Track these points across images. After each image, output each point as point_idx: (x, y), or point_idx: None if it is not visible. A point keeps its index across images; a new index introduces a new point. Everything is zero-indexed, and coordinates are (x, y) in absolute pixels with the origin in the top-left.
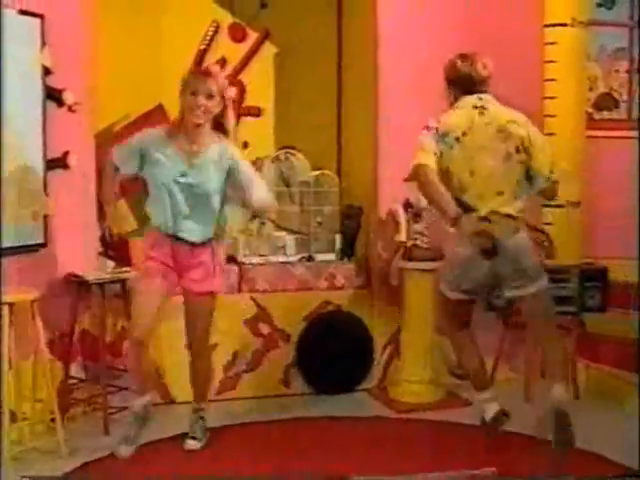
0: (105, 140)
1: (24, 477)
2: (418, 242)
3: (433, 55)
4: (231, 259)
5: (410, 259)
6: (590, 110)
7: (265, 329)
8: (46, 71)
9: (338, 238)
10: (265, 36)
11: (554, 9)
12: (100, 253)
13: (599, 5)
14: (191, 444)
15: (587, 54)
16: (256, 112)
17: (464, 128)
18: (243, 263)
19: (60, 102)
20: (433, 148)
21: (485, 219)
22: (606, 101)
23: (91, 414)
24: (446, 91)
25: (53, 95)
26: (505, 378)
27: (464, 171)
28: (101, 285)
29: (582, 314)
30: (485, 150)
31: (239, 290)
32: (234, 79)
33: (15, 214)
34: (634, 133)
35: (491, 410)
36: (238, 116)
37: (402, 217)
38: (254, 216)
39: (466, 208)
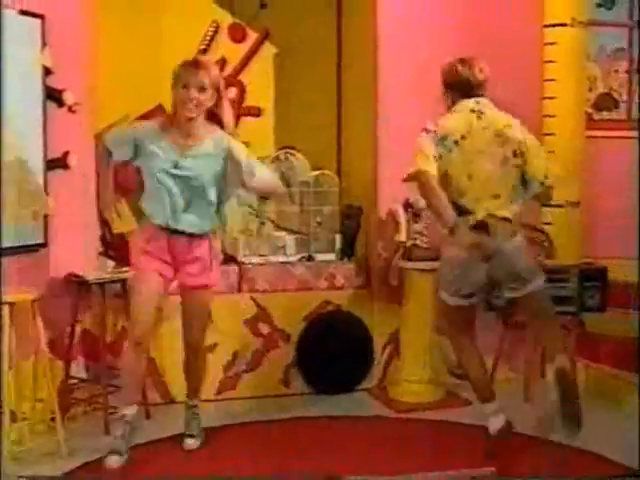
0: None
1: (21, 477)
2: (418, 242)
3: (433, 55)
4: (231, 259)
5: (410, 259)
6: (590, 110)
7: (265, 329)
8: (46, 71)
9: (338, 238)
10: (265, 36)
11: (554, 9)
12: (100, 253)
13: (599, 5)
14: (190, 443)
15: (587, 54)
16: (256, 112)
17: (463, 132)
18: (243, 263)
19: (60, 102)
20: (433, 152)
21: (482, 223)
22: (606, 101)
23: (91, 414)
24: (443, 94)
25: (53, 95)
26: (505, 378)
27: (462, 175)
28: (101, 285)
29: (582, 314)
30: (483, 154)
31: (239, 290)
32: (234, 79)
33: (15, 214)
34: (634, 133)
35: (497, 423)
36: (238, 116)
37: (402, 217)
38: (262, 197)
39: (463, 211)
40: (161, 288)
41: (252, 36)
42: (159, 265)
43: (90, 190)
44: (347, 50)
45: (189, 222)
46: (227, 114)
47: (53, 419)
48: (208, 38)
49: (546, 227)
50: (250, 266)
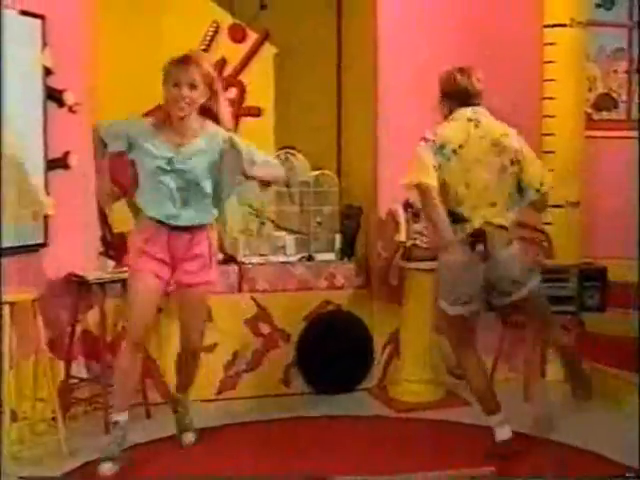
0: None
1: (21, 477)
2: (418, 242)
3: (433, 56)
4: (231, 259)
5: (410, 259)
6: (589, 110)
7: (265, 329)
8: (47, 71)
9: (338, 238)
10: (265, 37)
11: (553, 10)
12: (101, 253)
13: (598, 6)
14: (189, 437)
15: (586, 54)
16: (256, 112)
17: (460, 141)
18: (243, 263)
19: (61, 102)
20: (432, 162)
21: (479, 231)
22: (605, 101)
23: (92, 413)
24: (440, 103)
25: (54, 95)
26: (504, 378)
27: (460, 183)
28: (102, 285)
29: (581, 314)
30: (480, 163)
31: (239, 290)
32: (234, 79)
33: (15, 214)
34: (633, 133)
35: (504, 434)
36: (238, 116)
37: (402, 217)
38: (264, 184)
39: (460, 219)
40: (158, 289)
41: (252, 36)
42: (156, 266)
43: (90, 190)
44: (347, 51)
45: (188, 217)
46: (223, 107)
47: (54, 418)
48: (208, 38)
49: (546, 227)
50: (250, 266)
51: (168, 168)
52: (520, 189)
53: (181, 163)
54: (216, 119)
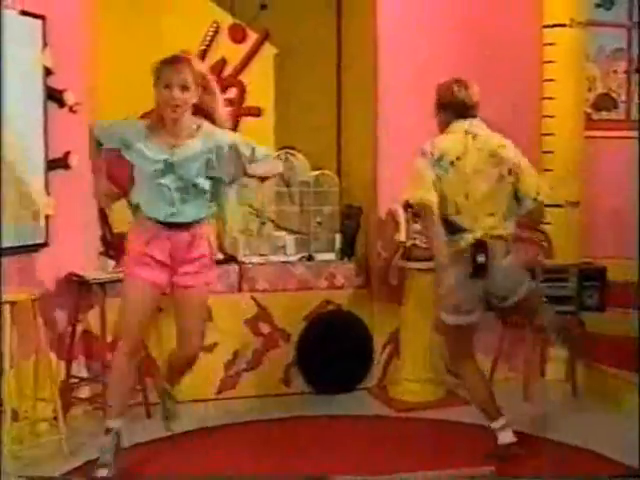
0: None
1: (20, 477)
2: (417, 242)
3: (433, 56)
4: (231, 259)
5: (409, 259)
6: (589, 110)
7: (265, 328)
8: (47, 72)
9: (338, 238)
10: (265, 37)
11: (553, 10)
12: (101, 253)
13: (598, 6)
14: (174, 424)
15: (586, 55)
16: (256, 112)
17: (458, 153)
18: (243, 263)
19: (61, 103)
20: (432, 177)
21: (480, 242)
22: (605, 101)
23: (92, 413)
24: (436, 114)
25: (54, 96)
26: (504, 377)
27: (459, 194)
28: (102, 284)
29: (581, 313)
30: (479, 174)
31: (239, 290)
32: (234, 79)
33: (16, 214)
34: (633, 133)
35: (506, 438)
36: (238, 116)
37: (401, 217)
38: (262, 180)
39: (460, 229)
40: (154, 299)
41: (252, 37)
42: (154, 272)
43: (90, 190)
44: (347, 51)
45: (187, 214)
46: (219, 105)
47: (54, 418)
48: (208, 39)
49: (545, 227)
50: (250, 266)
51: (164, 170)
52: (517, 199)
53: (177, 164)
54: (211, 118)
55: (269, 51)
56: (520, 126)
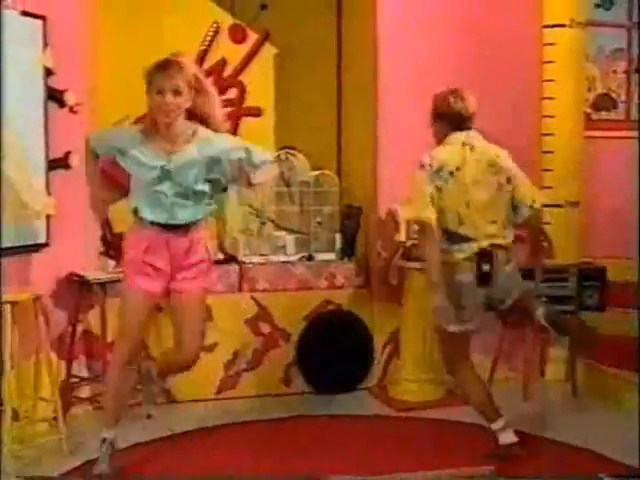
0: None
1: (18, 477)
2: (417, 242)
3: (432, 56)
4: (231, 259)
5: (409, 259)
6: (588, 110)
7: (266, 328)
8: (48, 72)
9: (338, 238)
10: (265, 37)
11: (553, 10)
12: (101, 253)
13: (597, 6)
14: (153, 409)
15: (585, 55)
16: (256, 112)
17: (457, 163)
18: (243, 263)
19: (61, 103)
20: (430, 192)
21: (485, 251)
22: (604, 101)
23: (93, 413)
24: (433, 124)
25: (54, 96)
26: (504, 377)
27: (461, 204)
28: (102, 284)
29: (581, 313)
30: (479, 184)
31: (240, 289)
32: (234, 80)
33: (16, 214)
34: (632, 133)
35: (507, 438)
36: (238, 116)
37: (401, 217)
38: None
39: (464, 239)
40: (151, 309)
41: (252, 37)
42: (153, 281)
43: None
44: (347, 51)
45: (186, 216)
46: (214, 107)
47: (55, 418)
48: (208, 39)
49: (545, 227)
50: (251, 266)
51: (161, 177)
52: (514, 207)
53: (174, 172)
54: (206, 122)
55: (269, 51)
56: (520, 126)
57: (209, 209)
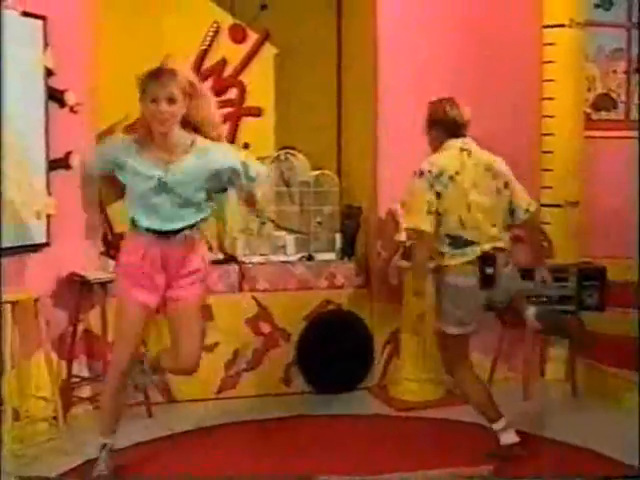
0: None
1: (19, 477)
2: (412, 247)
3: (432, 56)
4: (231, 259)
5: (409, 258)
6: (588, 110)
7: (266, 328)
8: (48, 72)
9: (338, 238)
10: (265, 37)
11: (552, 10)
12: (102, 253)
13: (597, 6)
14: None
15: (585, 55)
16: (256, 112)
17: (456, 168)
18: (244, 262)
19: (62, 103)
20: (429, 199)
21: (487, 254)
22: (604, 101)
23: (93, 412)
24: (428, 132)
25: (55, 96)
26: (504, 377)
27: (462, 208)
28: (103, 284)
29: (581, 313)
30: (478, 188)
31: (240, 289)
32: (234, 80)
33: (17, 214)
34: (632, 133)
35: (509, 439)
36: (239, 116)
37: (401, 217)
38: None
39: (467, 243)
40: (145, 321)
41: (252, 37)
42: (150, 296)
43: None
44: (347, 51)
45: (181, 223)
46: (209, 110)
47: (55, 417)
48: (209, 39)
49: (545, 227)
50: (251, 265)
51: (158, 188)
52: (511, 210)
53: (171, 184)
54: (201, 128)
55: (269, 51)
56: (520, 126)
57: (207, 212)
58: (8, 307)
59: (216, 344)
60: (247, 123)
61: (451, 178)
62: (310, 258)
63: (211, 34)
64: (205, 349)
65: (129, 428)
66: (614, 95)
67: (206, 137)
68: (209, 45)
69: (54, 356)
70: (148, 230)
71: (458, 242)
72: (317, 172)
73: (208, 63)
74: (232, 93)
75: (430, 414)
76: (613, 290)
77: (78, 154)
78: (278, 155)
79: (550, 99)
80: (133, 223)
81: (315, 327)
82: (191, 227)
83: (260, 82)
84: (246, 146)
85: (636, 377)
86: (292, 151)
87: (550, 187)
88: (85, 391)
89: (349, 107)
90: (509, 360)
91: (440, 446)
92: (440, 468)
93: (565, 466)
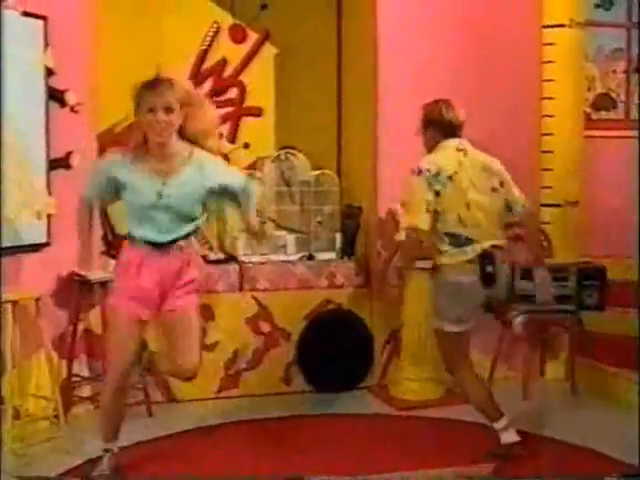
0: (107, 140)
1: (19, 476)
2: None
3: (432, 56)
4: (232, 258)
5: None
6: (588, 110)
7: (266, 327)
8: (49, 72)
9: (338, 237)
10: (265, 37)
11: (552, 10)
12: (102, 252)
13: (597, 6)
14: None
15: (585, 55)
16: (257, 112)
17: (454, 167)
18: (244, 262)
19: (62, 103)
20: (427, 197)
21: (487, 253)
22: (604, 101)
23: (93, 412)
24: (424, 132)
25: (56, 96)
26: (503, 377)
27: (461, 207)
28: (103, 284)
29: (580, 313)
30: (476, 187)
31: (240, 289)
32: (235, 79)
33: (17, 214)
34: (632, 133)
35: (509, 438)
36: (239, 116)
37: (401, 216)
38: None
39: (467, 241)
40: (141, 334)
41: (252, 37)
42: (144, 311)
43: None
44: (347, 51)
45: (177, 235)
46: (208, 122)
47: (56, 416)
48: (209, 39)
49: (545, 226)
50: (251, 265)
51: (156, 203)
52: (508, 208)
53: (170, 198)
54: (198, 138)
55: (269, 51)
56: (520, 126)
57: (201, 221)
58: (8, 307)
59: (216, 343)
60: (247, 123)
61: (449, 178)
62: (310, 258)
63: (211, 34)
64: (205, 348)
65: (129, 427)
66: (614, 95)
67: (203, 148)
68: (209, 45)
69: (54, 355)
70: (144, 242)
71: (458, 240)
72: (317, 172)
73: (208, 63)
74: (232, 93)
75: (430, 413)
76: (613, 290)
77: (78, 154)
78: (278, 155)
79: (550, 99)
80: (130, 235)
81: (315, 326)
82: (186, 236)
83: (260, 82)
84: (246, 146)
85: (636, 377)
86: (292, 151)
87: (550, 187)
88: (85, 390)
89: (349, 107)
90: (509, 360)
91: (441, 445)
92: (441, 467)
93: (565, 465)
